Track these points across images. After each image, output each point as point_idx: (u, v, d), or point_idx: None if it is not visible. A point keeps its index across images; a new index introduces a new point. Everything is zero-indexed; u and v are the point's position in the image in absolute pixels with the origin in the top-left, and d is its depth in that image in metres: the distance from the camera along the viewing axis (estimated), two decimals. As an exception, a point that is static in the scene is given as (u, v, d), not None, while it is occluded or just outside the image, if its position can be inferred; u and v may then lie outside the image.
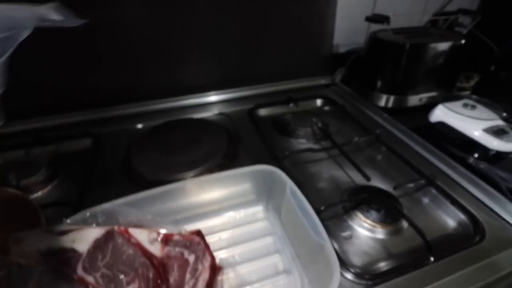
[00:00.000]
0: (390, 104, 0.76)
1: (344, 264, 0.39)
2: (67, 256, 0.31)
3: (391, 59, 0.71)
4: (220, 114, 0.74)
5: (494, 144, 0.61)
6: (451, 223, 0.47)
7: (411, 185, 0.52)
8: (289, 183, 0.41)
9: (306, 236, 0.36)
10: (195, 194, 0.43)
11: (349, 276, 0.38)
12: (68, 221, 0.33)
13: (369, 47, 0.76)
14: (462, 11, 0.75)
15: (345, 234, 0.46)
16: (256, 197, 0.47)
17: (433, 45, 0.69)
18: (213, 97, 0.79)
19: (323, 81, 0.87)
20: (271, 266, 0.41)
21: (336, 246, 0.43)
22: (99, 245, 0.32)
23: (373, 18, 0.68)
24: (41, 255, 0.29)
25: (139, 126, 0.70)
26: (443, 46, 0.70)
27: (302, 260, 0.39)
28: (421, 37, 0.72)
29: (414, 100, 0.75)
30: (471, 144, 0.63)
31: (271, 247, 0.43)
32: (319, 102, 0.81)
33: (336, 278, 0.30)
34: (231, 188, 0.45)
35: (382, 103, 0.77)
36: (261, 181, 0.45)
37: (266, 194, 0.46)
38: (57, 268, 0.30)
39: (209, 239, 0.40)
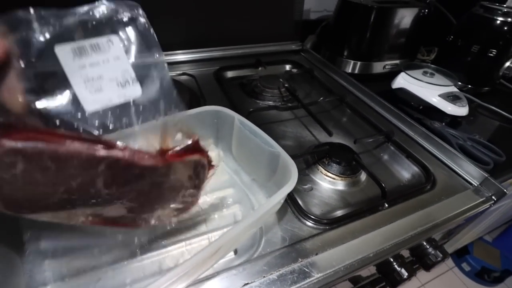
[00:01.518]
0: (356, 70, 0.77)
1: (304, 212, 0.39)
2: None
3: (358, 23, 0.72)
4: (185, 74, 0.71)
5: (449, 109, 0.65)
6: (406, 175, 0.50)
7: (370, 139, 0.53)
8: (237, 116, 0.39)
9: (260, 153, 0.37)
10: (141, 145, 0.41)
11: (308, 223, 0.39)
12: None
13: (338, 11, 0.75)
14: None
15: (306, 186, 0.46)
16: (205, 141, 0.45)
17: (399, 10, 0.70)
18: (179, 56, 0.75)
19: (293, 47, 0.86)
20: (224, 199, 0.41)
21: (297, 197, 0.44)
22: None
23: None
24: None
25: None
26: (409, 12, 0.71)
27: (259, 182, 0.41)
28: (388, 2, 0.73)
29: (378, 67, 0.77)
30: (429, 109, 0.66)
31: (225, 184, 0.42)
32: (287, 67, 0.80)
33: (294, 175, 0.31)
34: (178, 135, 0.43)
35: (349, 69, 0.77)
36: (208, 123, 0.43)
37: (215, 135, 0.45)
38: None
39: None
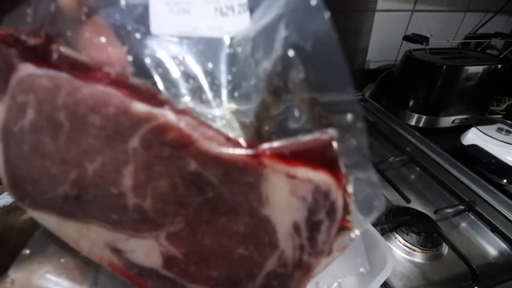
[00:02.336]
0: (421, 124, 0.76)
1: (387, 285, 0.39)
2: None
3: (426, 79, 0.72)
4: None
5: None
6: (491, 251, 0.47)
7: (450, 210, 0.52)
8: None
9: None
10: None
11: (392, 299, 0.38)
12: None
13: (404, 66, 0.76)
14: (499, 35, 0.75)
15: (384, 255, 0.46)
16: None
17: (469, 67, 0.69)
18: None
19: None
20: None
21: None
22: None
23: (411, 38, 0.69)
24: None
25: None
26: (479, 69, 0.70)
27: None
28: (457, 58, 0.72)
29: (446, 121, 0.75)
30: (505, 169, 0.62)
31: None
32: (349, 117, 0.81)
33: (389, 259, 0.30)
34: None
35: (413, 122, 0.77)
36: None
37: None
38: None
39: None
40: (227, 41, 0.14)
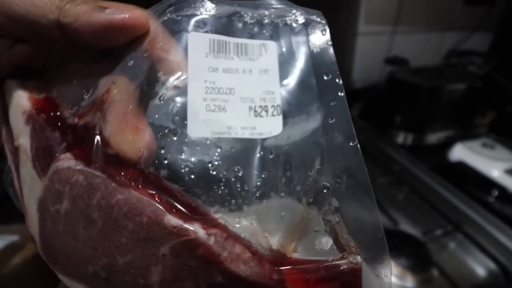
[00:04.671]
0: (408, 141, 0.78)
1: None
2: None
3: (409, 99, 0.74)
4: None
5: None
6: (480, 271, 0.48)
7: (439, 231, 0.52)
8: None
9: None
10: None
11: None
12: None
13: (388, 86, 0.79)
14: (474, 53, 0.78)
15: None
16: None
17: (450, 86, 0.71)
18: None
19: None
20: None
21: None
22: None
23: (392, 60, 0.71)
24: None
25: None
26: (460, 87, 0.72)
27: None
28: (438, 77, 0.75)
29: (432, 138, 0.77)
30: (491, 185, 0.64)
31: None
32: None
33: None
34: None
35: (401, 140, 0.78)
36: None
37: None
38: None
39: None
40: (259, 143, 0.14)
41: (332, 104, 0.14)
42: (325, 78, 0.15)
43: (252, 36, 0.16)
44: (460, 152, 0.70)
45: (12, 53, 0.15)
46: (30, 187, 0.16)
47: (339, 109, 0.14)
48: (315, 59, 0.15)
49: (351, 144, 0.14)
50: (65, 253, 0.15)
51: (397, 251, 0.48)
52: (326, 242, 0.14)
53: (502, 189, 0.62)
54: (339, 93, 0.15)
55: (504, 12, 0.87)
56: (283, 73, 0.15)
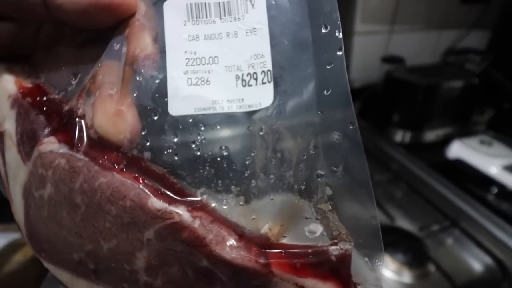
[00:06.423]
0: (406, 139, 0.78)
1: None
2: None
3: (407, 98, 0.74)
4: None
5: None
6: (477, 266, 0.47)
7: (436, 227, 0.52)
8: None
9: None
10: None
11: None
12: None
13: (385, 85, 0.79)
14: (472, 51, 0.78)
15: (372, 277, 0.46)
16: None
17: (447, 84, 0.71)
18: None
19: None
20: None
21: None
22: None
23: (389, 59, 0.71)
24: None
25: None
26: (458, 84, 0.72)
27: None
28: (436, 75, 0.75)
29: (430, 136, 0.77)
30: (489, 182, 0.63)
31: None
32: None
33: None
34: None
35: (399, 138, 0.78)
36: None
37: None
38: None
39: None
40: (247, 118, 0.13)
41: (328, 67, 0.12)
42: (323, 31, 0.13)
43: None
44: (458, 150, 0.70)
45: None
46: (15, 173, 0.16)
47: (336, 75, 0.12)
48: (312, 3, 0.13)
49: (350, 127, 0.12)
50: (50, 240, 0.15)
51: (394, 246, 0.48)
52: (316, 228, 0.13)
53: (500, 186, 0.62)
54: (338, 52, 0.12)
55: (501, 9, 0.87)
56: (274, 29, 0.13)
